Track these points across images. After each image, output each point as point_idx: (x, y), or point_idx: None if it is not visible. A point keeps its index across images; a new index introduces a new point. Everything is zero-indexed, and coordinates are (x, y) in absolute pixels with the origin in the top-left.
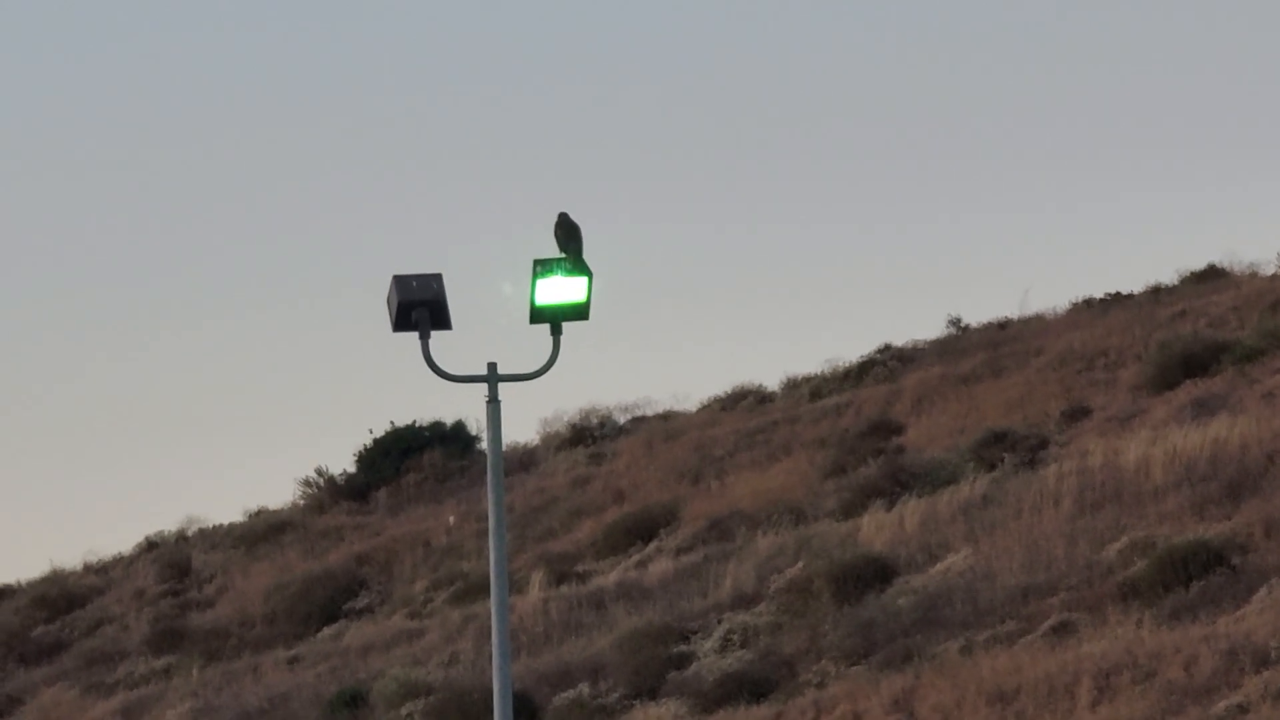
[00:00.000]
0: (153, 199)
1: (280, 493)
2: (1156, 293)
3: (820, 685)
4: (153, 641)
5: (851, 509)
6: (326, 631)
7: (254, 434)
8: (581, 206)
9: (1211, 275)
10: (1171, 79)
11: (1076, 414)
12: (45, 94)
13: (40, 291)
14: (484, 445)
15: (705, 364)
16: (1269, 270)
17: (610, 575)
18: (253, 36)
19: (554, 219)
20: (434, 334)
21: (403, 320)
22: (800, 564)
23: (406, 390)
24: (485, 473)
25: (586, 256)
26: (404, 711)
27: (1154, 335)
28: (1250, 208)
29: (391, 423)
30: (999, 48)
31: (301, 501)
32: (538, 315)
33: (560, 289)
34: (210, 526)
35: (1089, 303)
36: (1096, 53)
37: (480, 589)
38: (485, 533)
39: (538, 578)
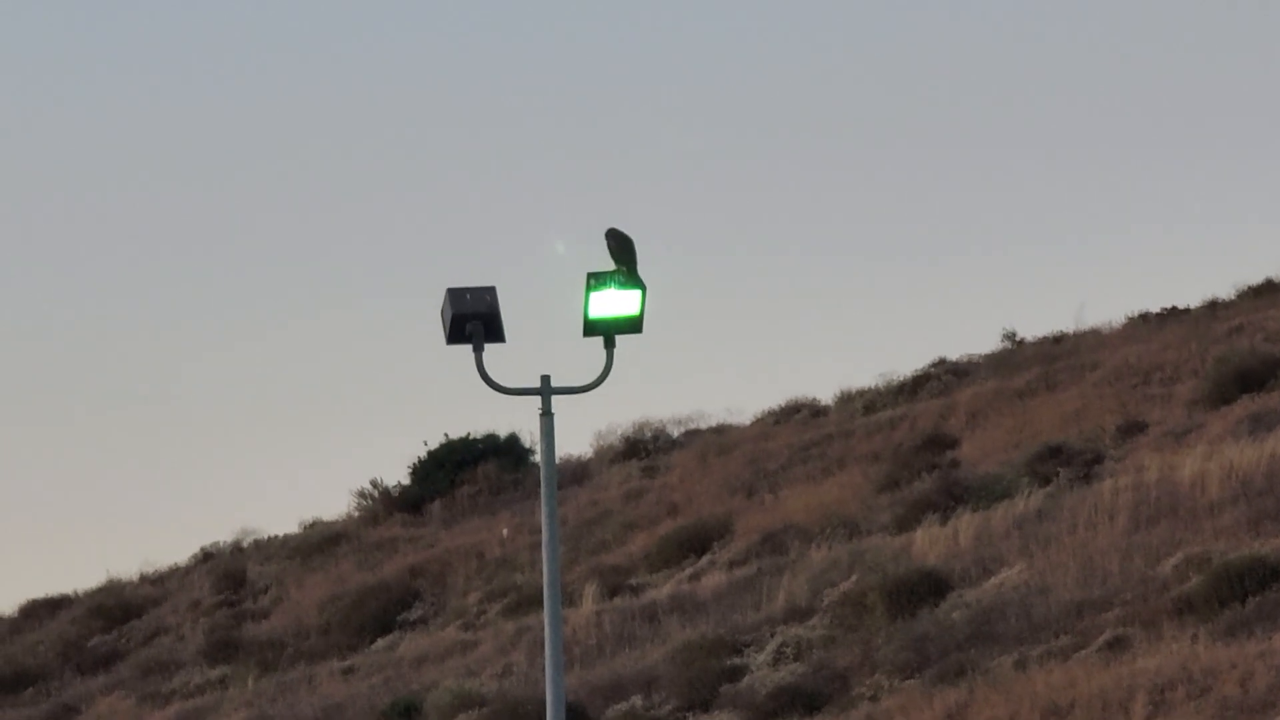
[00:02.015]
0: (213, 210)
1: (335, 504)
2: (1213, 307)
3: (873, 699)
4: (208, 652)
5: (905, 523)
6: (381, 643)
7: (309, 446)
8: (635, 220)
9: (1269, 289)
10: (1229, 94)
11: (1132, 429)
12: (100, 109)
13: (102, 302)
14: (537, 458)
15: (759, 377)
16: None
17: (663, 588)
18: (312, 52)
19: (606, 233)
20: (488, 347)
21: (457, 333)
22: (854, 577)
23: (460, 403)
24: (539, 485)
25: (640, 270)
26: None
27: (1210, 350)
28: None
29: (446, 435)
30: (1056, 63)
31: (356, 513)
32: (591, 328)
33: (614, 302)
34: (265, 538)
35: (1145, 317)
36: (1154, 68)
37: (533, 601)
38: (538, 545)
39: (591, 590)
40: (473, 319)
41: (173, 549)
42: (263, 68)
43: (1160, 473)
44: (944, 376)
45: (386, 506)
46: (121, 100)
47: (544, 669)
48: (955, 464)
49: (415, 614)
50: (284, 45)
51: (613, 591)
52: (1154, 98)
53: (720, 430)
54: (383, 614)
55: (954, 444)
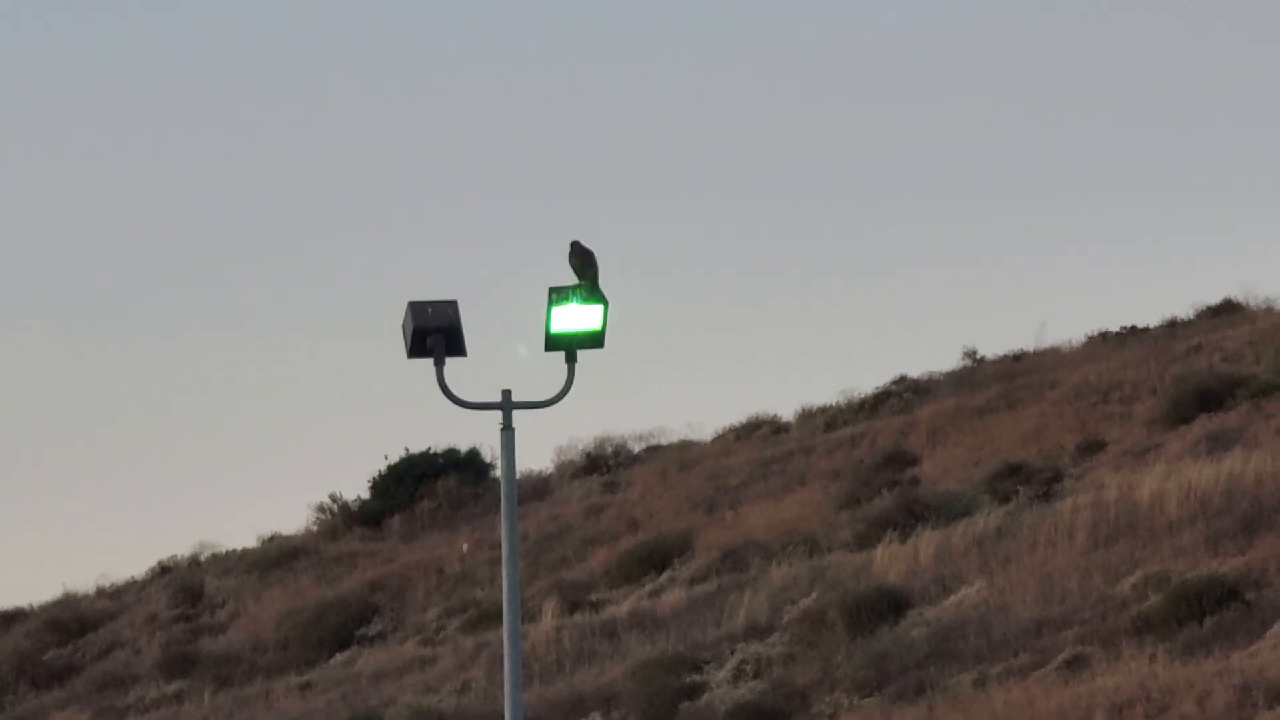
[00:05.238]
0: (173, 226)
1: (294, 519)
2: (1172, 326)
3: (833, 717)
4: (164, 666)
5: (866, 540)
6: (339, 658)
7: (268, 459)
8: (597, 234)
9: (1227, 309)
10: (1192, 114)
11: (1091, 447)
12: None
13: (59, 316)
14: (498, 473)
15: (720, 393)
16: None
17: (623, 604)
18: (273, 67)
19: (569, 246)
20: (449, 361)
21: (418, 347)
22: (814, 595)
23: (421, 417)
24: (499, 500)
25: (602, 284)
26: None
27: (1169, 369)
28: (1267, 242)
29: (406, 449)
30: (1020, 80)
31: (315, 527)
32: (553, 343)
33: (575, 317)
34: (223, 551)
35: (1104, 336)
36: (1117, 86)
37: (493, 617)
38: (498, 560)
39: (551, 606)
40: (434, 333)
41: (130, 562)
42: (237, 87)
43: (1119, 492)
44: (905, 394)
45: (346, 521)
46: (90, 111)
47: (503, 685)
48: (915, 481)
49: (374, 629)
50: (255, 69)
51: (573, 608)
52: (1116, 118)
53: (681, 446)
54: (341, 629)
55: (914, 461)
